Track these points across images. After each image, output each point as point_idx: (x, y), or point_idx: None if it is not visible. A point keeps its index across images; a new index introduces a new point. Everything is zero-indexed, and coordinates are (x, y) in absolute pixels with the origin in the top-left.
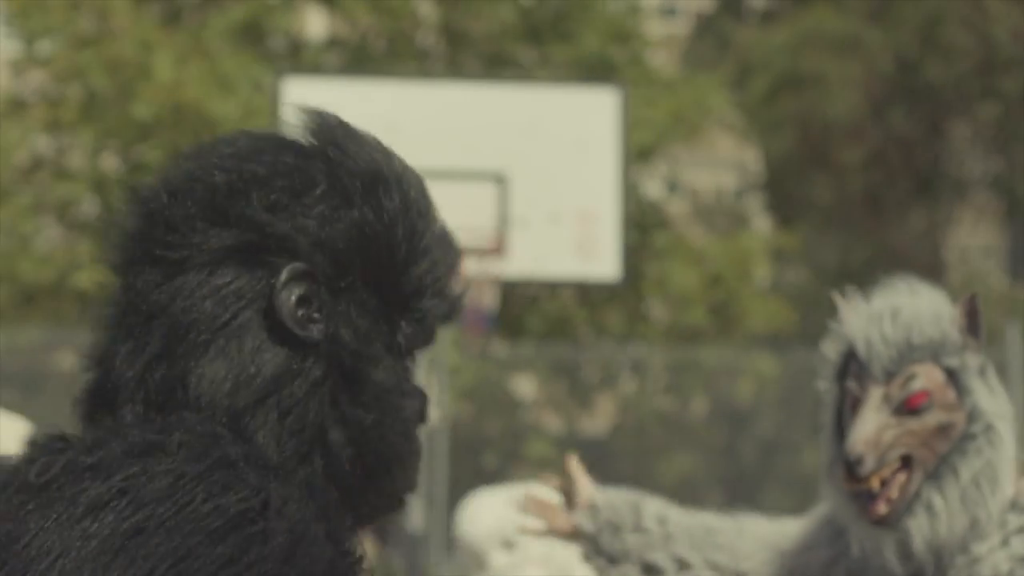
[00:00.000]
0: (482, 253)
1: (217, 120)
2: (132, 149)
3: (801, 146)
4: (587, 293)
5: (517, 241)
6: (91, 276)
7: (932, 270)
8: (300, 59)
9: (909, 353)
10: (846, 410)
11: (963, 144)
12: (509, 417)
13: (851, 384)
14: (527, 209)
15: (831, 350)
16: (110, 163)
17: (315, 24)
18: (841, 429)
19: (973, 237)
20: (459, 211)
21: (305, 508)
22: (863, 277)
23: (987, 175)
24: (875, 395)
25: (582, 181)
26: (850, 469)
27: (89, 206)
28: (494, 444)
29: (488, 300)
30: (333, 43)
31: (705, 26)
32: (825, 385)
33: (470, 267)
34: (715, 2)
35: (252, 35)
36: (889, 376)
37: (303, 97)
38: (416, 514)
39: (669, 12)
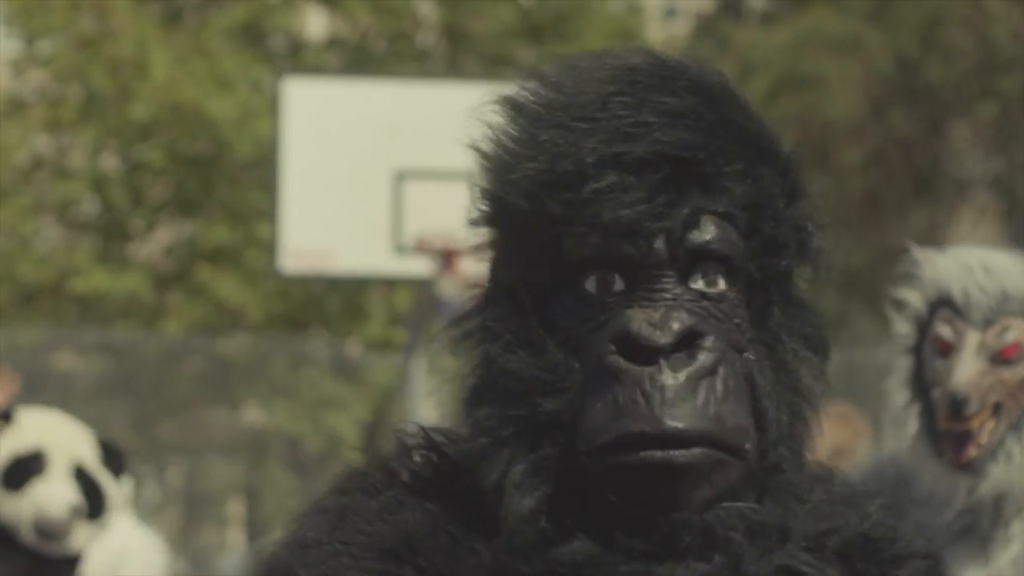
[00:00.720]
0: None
1: (216, 120)
2: (132, 149)
3: (801, 146)
4: None
5: None
6: (88, 280)
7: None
8: (300, 59)
9: (1004, 304)
10: (929, 355)
11: (963, 144)
12: None
13: (943, 329)
14: None
15: (916, 298)
16: (110, 163)
17: (315, 24)
18: (921, 374)
19: (973, 237)
20: (459, 211)
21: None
22: (863, 277)
23: (987, 175)
24: (972, 341)
25: None
26: (955, 408)
27: (89, 206)
28: None
29: None
30: (333, 43)
31: (705, 27)
32: (905, 330)
33: (470, 267)
34: (715, 3)
35: (252, 35)
36: (987, 324)
37: (303, 97)
38: None
39: (669, 13)
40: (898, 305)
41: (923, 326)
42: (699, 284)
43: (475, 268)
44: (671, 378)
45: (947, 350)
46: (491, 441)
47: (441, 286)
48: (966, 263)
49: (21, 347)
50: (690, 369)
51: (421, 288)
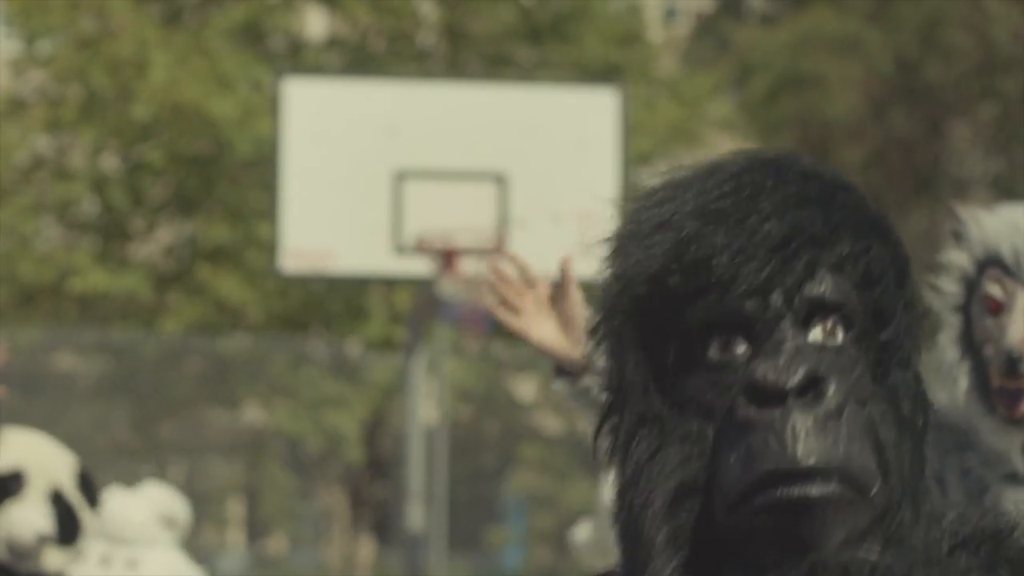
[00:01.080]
0: (482, 253)
1: (216, 120)
2: (132, 149)
3: (801, 146)
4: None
5: (517, 241)
6: (88, 280)
7: (932, 270)
8: (300, 59)
9: None
10: (979, 314)
11: (963, 144)
12: (508, 418)
13: (992, 288)
14: (527, 209)
15: (963, 257)
16: (110, 163)
17: (315, 24)
18: (970, 332)
19: None
20: (459, 211)
21: None
22: None
23: (987, 175)
24: (1023, 299)
25: (582, 181)
26: (1011, 366)
27: (89, 206)
28: (493, 445)
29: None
30: (333, 43)
31: (705, 27)
32: (953, 288)
33: (470, 267)
34: (715, 3)
35: (252, 35)
36: None
37: (303, 97)
38: (416, 514)
39: (669, 13)
40: (943, 265)
41: (971, 285)
42: (818, 335)
43: (476, 267)
44: (800, 418)
45: (997, 309)
46: (636, 519)
47: (441, 286)
48: (1014, 222)
49: (21, 347)
50: (817, 411)
51: (421, 288)
